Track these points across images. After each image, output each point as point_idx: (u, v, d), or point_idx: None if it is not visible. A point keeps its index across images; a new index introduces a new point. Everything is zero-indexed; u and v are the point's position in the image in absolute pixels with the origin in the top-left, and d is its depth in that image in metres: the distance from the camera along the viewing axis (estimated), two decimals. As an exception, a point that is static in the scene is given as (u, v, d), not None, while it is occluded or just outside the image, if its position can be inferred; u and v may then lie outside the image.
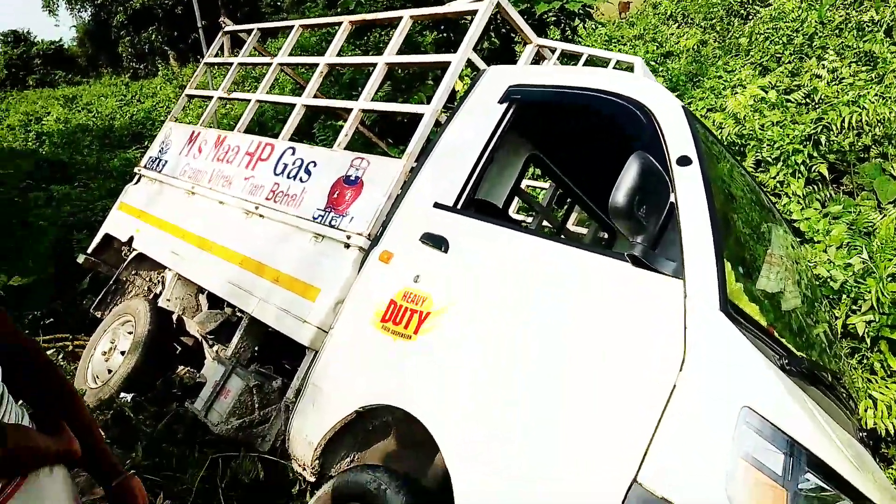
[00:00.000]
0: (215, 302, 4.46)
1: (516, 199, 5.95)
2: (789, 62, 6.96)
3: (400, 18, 4.09)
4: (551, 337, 2.36)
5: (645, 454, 1.97)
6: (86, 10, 35.30)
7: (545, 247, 2.63)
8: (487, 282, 2.67)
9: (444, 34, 8.20)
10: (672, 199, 2.31)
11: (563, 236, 4.84)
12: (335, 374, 2.99)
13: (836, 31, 7.19)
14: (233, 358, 3.68)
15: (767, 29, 8.90)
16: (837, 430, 2.40)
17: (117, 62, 33.65)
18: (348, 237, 3.30)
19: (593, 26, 11.49)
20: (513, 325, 2.49)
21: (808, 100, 5.11)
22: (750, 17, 11.47)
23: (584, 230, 5.35)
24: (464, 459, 2.35)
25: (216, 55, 6.23)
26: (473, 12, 3.59)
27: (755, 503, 1.84)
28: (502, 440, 2.29)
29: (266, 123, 10.37)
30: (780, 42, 8.04)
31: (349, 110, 4.03)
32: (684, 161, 2.39)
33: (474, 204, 3.26)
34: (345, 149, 3.83)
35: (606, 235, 4.95)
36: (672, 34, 11.76)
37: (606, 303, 2.31)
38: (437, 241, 2.91)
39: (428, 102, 3.54)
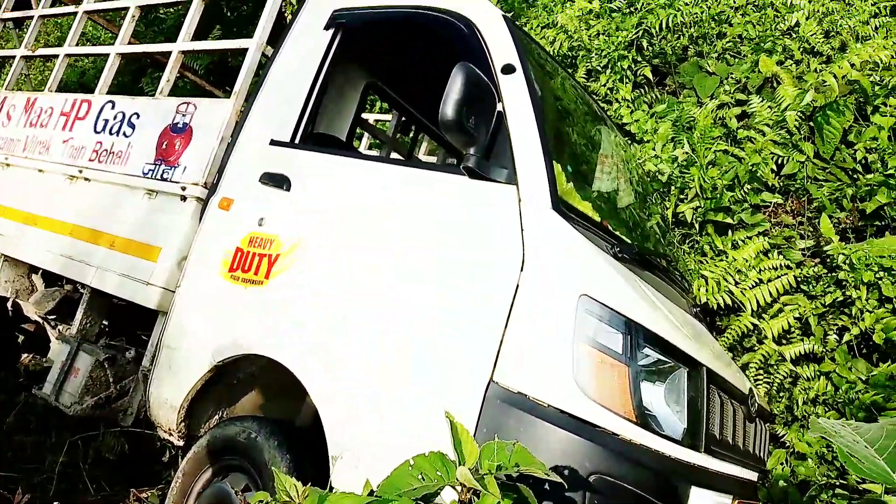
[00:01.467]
0: (52, 280, 4.11)
1: (367, 135, 5.87)
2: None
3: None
4: (399, 259, 2.36)
5: (498, 354, 2.03)
6: None
7: (383, 170, 2.61)
8: (332, 214, 2.62)
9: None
10: (500, 108, 2.34)
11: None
12: (188, 333, 2.86)
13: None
14: (78, 335, 3.43)
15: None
16: (673, 308, 2.60)
17: None
18: (183, 188, 3.11)
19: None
20: (361, 252, 2.46)
21: (630, 8, 5.34)
22: (577, -66, 11.68)
23: (434, 158, 5.37)
24: (328, 393, 2.35)
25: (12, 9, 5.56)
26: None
27: (600, 382, 1.97)
28: (363, 366, 2.30)
29: (88, 84, 9.49)
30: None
31: (168, 54, 3.75)
32: (508, 69, 2.42)
33: (314, 138, 3.16)
34: (169, 96, 3.57)
35: (455, 161, 4.99)
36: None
37: (448, 217, 2.33)
38: (277, 180, 2.81)
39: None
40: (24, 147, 4.21)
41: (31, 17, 5.26)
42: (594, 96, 4.46)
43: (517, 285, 2.08)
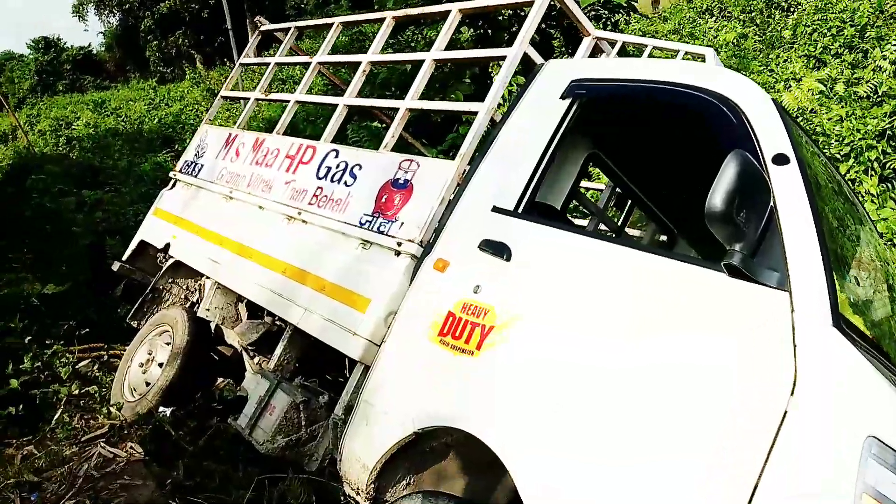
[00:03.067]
0: (254, 311, 4.30)
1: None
2: (839, 54, 6.65)
3: (448, 12, 3.89)
4: (635, 357, 2.13)
5: (754, 491, 1.76)
6: (114, 16, 35.94)
7: (621, 254, 2.41)
8: (559, 293, 2.45)
9: (482, 30, 7.97)
10: (771, 202, 2.09)
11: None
12: (390, 392, 2.79)
13: (893, 20, 6.86)
14: (277, 371, 3.51)
15: (815, 21, 8.54)
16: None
17: (145, 66, 34.09)
18: (399, 244, 3.10)
19: (627, 20, 11.18)
20: (590, 341, 2.27)
21: (873, 93, 4.82)
22: (791, 9, 11.08)
23: (637, 232, 5.09)
24: (537, 484, 2.15)
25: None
26: (529, 3, 3.38)
27: (884, 547, 1.63)
28: (584, 464, 2.09)
29: (297, 125, 10.23)
30: (829, 34, 7.70)
31: (394, 110, 3.84)
32: (781, 160, 2.16)
33: (535, 208, 3.04)
34: (390, 150, 3.64)
35: (665, 238, 4.69)
36: (710, 28, 11.44)
37: (700, 318, 2.08)
38: (498, 249, 2.70)
39: (468, 100, 3.34)
40: (249, 183, 4.48)
41: (266, 64, 5.72)
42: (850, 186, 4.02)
43: (785, 411, 1.79)
